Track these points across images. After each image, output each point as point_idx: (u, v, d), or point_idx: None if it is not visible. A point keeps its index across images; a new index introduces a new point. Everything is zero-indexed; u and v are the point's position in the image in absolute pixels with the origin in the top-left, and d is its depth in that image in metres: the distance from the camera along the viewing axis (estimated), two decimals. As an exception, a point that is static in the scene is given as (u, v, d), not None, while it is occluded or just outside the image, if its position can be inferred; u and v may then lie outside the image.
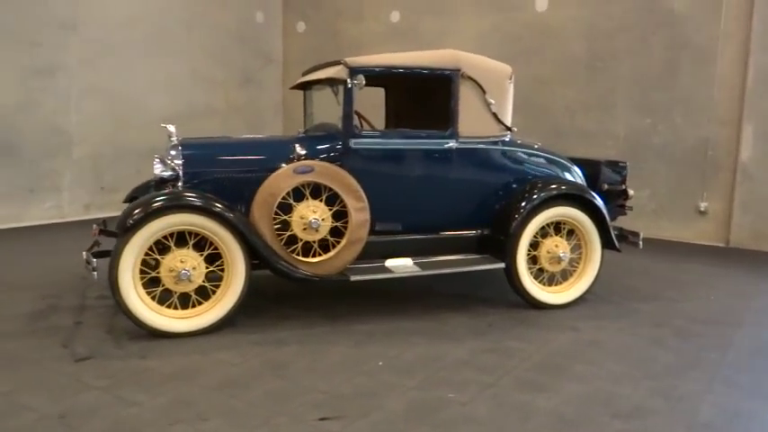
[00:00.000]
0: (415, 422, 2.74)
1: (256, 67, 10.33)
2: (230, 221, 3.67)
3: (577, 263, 4.58)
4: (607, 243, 4.58)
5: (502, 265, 4.30)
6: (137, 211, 3.53)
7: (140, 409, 2.80)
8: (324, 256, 3.92)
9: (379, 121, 5.53)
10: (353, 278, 3.97)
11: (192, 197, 3.65)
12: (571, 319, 4.27)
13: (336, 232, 3.96)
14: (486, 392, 3.07)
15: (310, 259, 3.91)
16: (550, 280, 4.55)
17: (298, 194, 3.88)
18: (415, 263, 4.24)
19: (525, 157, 4.53)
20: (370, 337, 3.81)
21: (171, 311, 3.72)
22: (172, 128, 4.13)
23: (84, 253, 3.63)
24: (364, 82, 3.96)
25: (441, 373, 3.30)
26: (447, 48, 4.46)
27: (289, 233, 3.87)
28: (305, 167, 3.85)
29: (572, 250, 4.57)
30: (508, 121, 4.44)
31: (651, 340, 3.89)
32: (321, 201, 3.92)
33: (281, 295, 4.60)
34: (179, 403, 2.87)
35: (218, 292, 3.79)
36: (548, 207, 4.36)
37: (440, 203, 4.30)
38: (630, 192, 4.88)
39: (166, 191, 3.76)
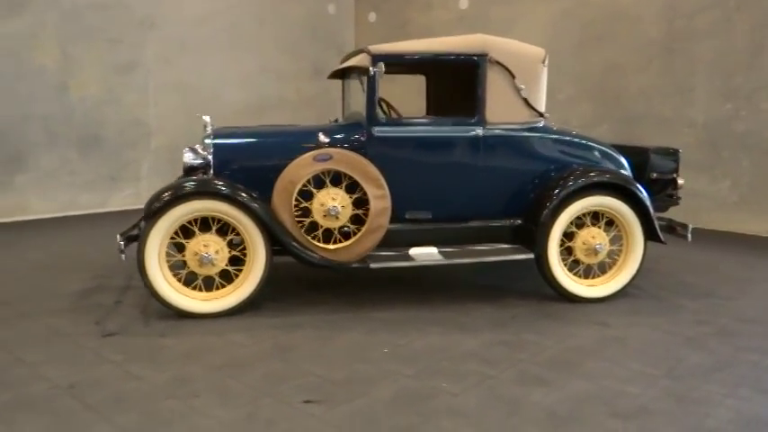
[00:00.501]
0: (397, 410, 2.73)
1: (329, 58, 10.49)
2: (252, 209, 3.77)
3: (618, 255, 4.34)
4: (651, 235, 4.31)
5: (531, 255, 4.15)
6: (164, 195, 3.70)
7: (141, 384, 2.96)
8: (343, 243, 3.96)
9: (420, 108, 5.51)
10: (373, 265, 3.98)
11: (217, 184, 3.78)
12: (604, 313, 4.07)
13: (357, 220, 3.98)
14: (483, 384, 3.00)
15: (330, 246, 3.96)
16: (587, 272, 4.35)
17: (319, 182, 3.93)
18: (440, 252, 4.18)
19: (559, 144, 4.34)
20: (385, 324, 3.81)
21: (195, 293, 3.89)
22: (207, 118, 4.30)
23: (117, 236, 3.85)
24: (384, 69, 3.93)
25: (443, 363, 3.25)
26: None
27: (310, 220, 3.93)
28: (324, 155, 3.89)
29: (612, 241, 4.35)
30: (541, 107, 4.28)
31: (686, 339, 3.65)
32: (341, 188, 3.93)
33: (308, 281, 4.68)
34: (179, 380, 3.00)
35: (240, 276, 3.91)
36: (582, 196, 4.17)
37: (467, 192, 4.21)
38: (680, 181, 4.57)
39: (193, 177, 3.90)
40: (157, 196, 3.72)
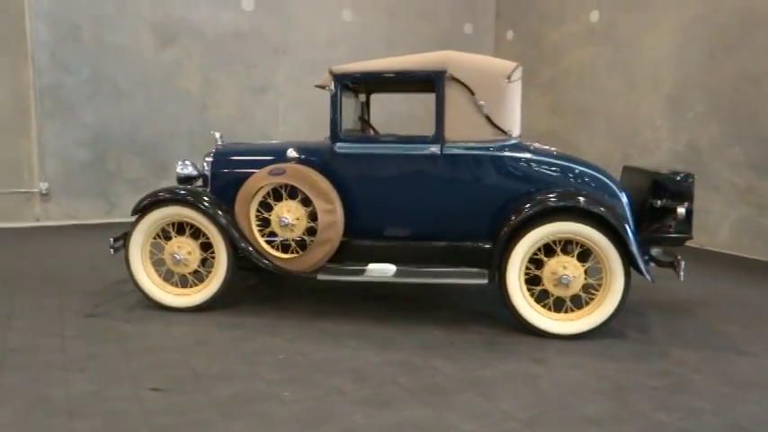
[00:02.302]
0: (215, 407, 2.91)
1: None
2: (211, 216, 4.19)
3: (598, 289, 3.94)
4: (634, 268, 3.85)
5: (484, 281, 3.98)
6: (143, 200, 4.30)
7: (62, 353, 3.51)
8: (295, 254, 4.18)
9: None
10: (321, 277, 4.14)
11: (184, 193, 4.27)
12: (558, 351, 3.75)
13: (314, 232, 4.17)
14: (320, 400, 3.03)
15: (283, 255, 4.21)
16: (560, 306, 4.02)
17: (279, 195, 4.21)
18: (398, 270, 4.19)
19: (530, 164, 4.07)
20: (314, 334, 3.95)
21: (171, 288, 4.41)
22: (217, 134, 4.83)
23: (111, 239, 4.44)
24: (333, 90, 4.10)
25: (315, 374, 3.33)
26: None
27: (269, 230, 4.23)
28: (278, 170, 4.16)
29: (593, 273, 3.97)
30: (508, 125, 4.06)
31: (614, 388, 3.23)
32: (297, 201, 4.17)
33: (286, 290, 4.93)
34: (90, 354, 3.51)
35: (209, 276, 4.34)
36: (544, 222, 3.88)
37: (429, 211, 4.16)
38: (680, 210, 3.97)
39: (172, 186, 4.44)
40: (139, 201, 4.31)
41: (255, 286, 5.04)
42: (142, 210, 4.29)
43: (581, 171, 4.07)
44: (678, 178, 4.03)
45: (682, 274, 3.96)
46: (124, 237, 4.38)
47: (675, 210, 3.95)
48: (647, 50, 7.94)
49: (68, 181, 8.08)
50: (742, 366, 3.55)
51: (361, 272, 4.17)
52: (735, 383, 3.31)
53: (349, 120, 4.60)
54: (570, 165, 4.07)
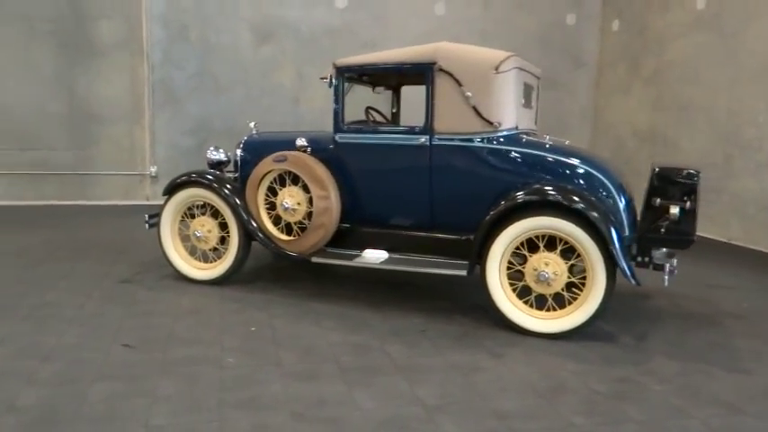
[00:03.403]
0: (162, 366, 3.25)
1: (562, 70, 10.25)
2: (224, 197, 4.58)
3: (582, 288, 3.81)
4: (615, 268, 3.68)
5: (463, 272, 3.99)
6: (170, 182, 4.80)
7: (78, 309, 4.07)
8: (293, 237, 4.46)
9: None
10: (314, 259, 4.38)
11: (204, 176, 4.70)
12: (526, 348, 3.68)
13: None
14: (258, 368, 3.27)
15: (284, 237, 4.50)
16: (542, 302, 3.93)
17: (284, 180, 4.51)
18: (389, 257, 4.32)
19: (514, 157, 3.99)
20: (299, 313, 4.18)
21: (194, 262, 4.87)
22: (252, 124, 5.24)
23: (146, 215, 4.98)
24: (329, 81, 4.29)
25: (269, 346, 3.57)
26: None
27: (275, 213, 4.55)
28: (280, 157, 4.45)
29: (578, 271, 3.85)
30: (496, 116, 4.00)
31: (553, 388, 3.15)
32: (299, 187, 4.44)
33: (307, 273, 5.18)
34: (97, 312, 4.03)
35: (225, 253, 4.75)
36: (523, 216, 3.81)
37: (420, 201, 4.22)
38: (674, 209, 3.69)
39: (197, 171, 4.88)
40: (168, 183, 4.81)
41: (282, 268, 5.36)
42: (170, 191, 4.77)
43: (572, 166, 3.92)
44: (681, 175, 3.75)
45: (666, 278, 3.70)
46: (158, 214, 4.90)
47: (668, 208, 3.68)
48: (754, 40, 7.21)
49: (174, 165, 8.95)
50: (720, 384, 3.26)
51: (353, 257, 4.34)
52: (694, 399, 3.07)
53: (353, 110, 4.73)
54: (562, 159, 3.94)
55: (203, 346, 3.54)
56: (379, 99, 5.45)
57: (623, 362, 3.51)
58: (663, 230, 3.73)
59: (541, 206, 3.78)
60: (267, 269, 5.29)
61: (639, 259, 3.94)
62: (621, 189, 3.90)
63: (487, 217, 3.85)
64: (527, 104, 4.42)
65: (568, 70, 10.25)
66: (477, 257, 3.93)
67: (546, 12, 10.06)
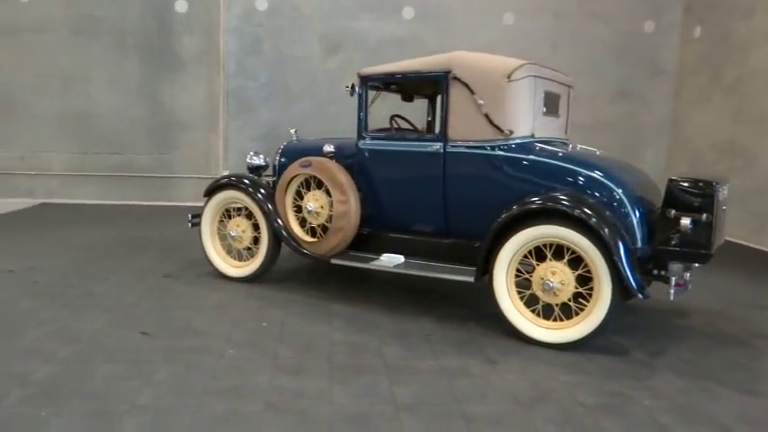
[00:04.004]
0: (167, 353, 3.50)
1: (639, 79, 9.91)
2: (255, 198, 4.84)
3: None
4: (621, 281, 3.59)
5: (470, 279, 4.01)
6: (210, 185, 5.12)
7: (116, 300, 4.44)
8: (315, 239, 4.64)
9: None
10: (333, 261, 4.54)
11: (239, 179, 4.97)
12: (525, 357, 3.65)
13: (337, 219, 4.57)
14: (253, 360, 3.45)
15: (309, 238, 4.69)
16: (549, 313, 3.88)
17: (309, 185, 4.70)
18: (404, 262, 4.40)
19: (524, 165, 3.96)
20: (316, 312, 4.33)
21: (230, 260, 5.16)
22: (293, 131, 5.50)
23: (189, 215, 5.33)
24: (351, 90, 4.44)
25: (272, 342, 3.73)
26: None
27: (301, 216, 4.75)
28: (306, 162, 4.64)
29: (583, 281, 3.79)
30: (508, 124, 3.99)
31: (535, 398, 3.12)
32: (323, 191, 4.62)
33: (339, 276, 5.32)
34: (132, 303, 4.37)
35: (258, 251, 4.99)
36: (529, 224, 3.80)
37: (433, 207, 4.28)
38: (684, 221, 3.53)
39: (236, 174, 5.16)
40: (208, 186, 5.13)
41: (314, 270, 5.54)
42: (209, 193, 5.08)
43: (584, 174, 3.84)
44: (697, 186, 3.59)
45: (672, 292, 3.54)
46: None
47: (678, 219, 3.54)
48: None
49: (243, 169, 9.37)
50: (722, 405, 3.10)
51: (370, 260, 4.45)
52: (685, 418, 2.94)
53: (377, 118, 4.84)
54: (573, 168, 3.87)
55: (212, 338, 3.76)
56: (417, 108, 5.55)
57: (624, 376, 3.41)
58: (673, 243, 3.58)
59: (548, 215, 3.73)
60: (301, 271, 5.49)
61: (656, 273, 3.79)
62: (637, 200, 3.78)
63: (495, 224, 3.84)
64: (551, 113, 4.37)
65: (645, 80, 9.88)
66: (485, 265, 3.93)
67: (622, 20, 9.76)
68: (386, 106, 5.16)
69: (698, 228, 3.55)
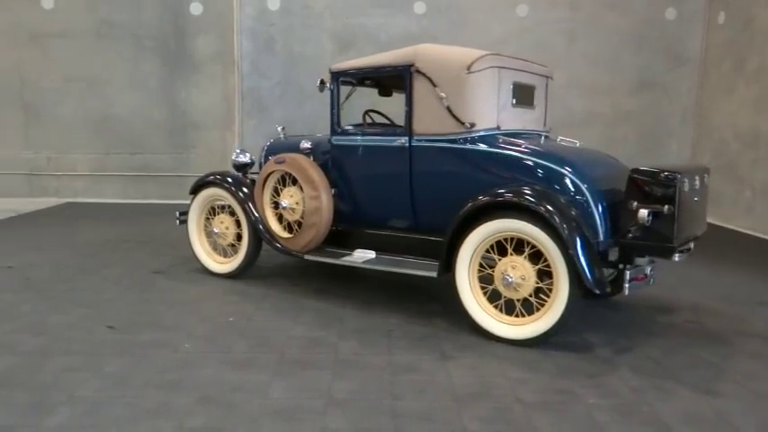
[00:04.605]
0: (123, 347, 3.58)
1: (661, 69, 9.61)
2: (235, 195, 4.90)
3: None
4: (579, 276, 3.50)
5: (432, 273, 3.98)
6: (194, 183, 5.21)
7: (97, 294, 4.57)
8: (291, 235, 4.67)
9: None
10: (307, 257, 4.56)
11: (218, 177, 5.04)
12: (481, 354, 3.60)
13: (312, 215, 4.59)
14: (203, 354, 3.51)
15: (285, 234, 4.73)
16: (511, 308, 3.82)
17: (285, 181, 4.74)
18: (374, 257, 4.40)
19: (487, 157, 3.89)
20: (285, 307, 4.36)
21: (215, 257, 5.24)
22: (280, 128, 5.56)
23: (177, 212, 5.42)
24: (320, 86, 4.44)
25: (230, 335, 3.78)
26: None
27: (278, 212, 4.80)
28: (280, 159, 4.68)
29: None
30: (469, 117, 3.92)
31: (474, 393, 3.07)
32: (298, 188, 4.64)
33: (320, 272, 5.32)
34: (113, 298, 4.50)
35: (240, 247, 5.06)
36: (490, 218, 3.73)
37: (401, 202, 4.25)
38: (642, 212, 3.41)
39: (218, 171, 5.24)
40: (193, 184, 5.22)
41: (302, 267, 5.57)
42: (194, 190, 5.18)
43: (545, 167, 3.75)
44: (659, 177, 3.47)
45: (627, 287, 3.43)
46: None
47: (636, 212, 3.42)
48: None
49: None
50: (675, 404, 2.98)
51: (341, 256, 4.45)
52: (625, 417, 2.84)
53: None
54: (536, 160, 3.78)
55: (174, 332, 3.83)
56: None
57: (578, 374, 3.32)
58: (631, 236, 3.46)
59: (506, 208, 3.66)
60: (285, 267, 5.52)
61: (622, 267, 3.68)
62: (603, 193, 3.67)
63: (454, 219, 3.79)
64: (524, 104, 4.27)
65: (667, 69, 9.56)
66: (447, 259, 3.88)
67: (642, 8, 9.47)
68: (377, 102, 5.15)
69: (660, 220, 3.42)
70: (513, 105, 4.16)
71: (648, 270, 3.56)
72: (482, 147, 3.90)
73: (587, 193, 3.63)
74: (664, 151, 9.70)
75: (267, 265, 5.46)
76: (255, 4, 9.43)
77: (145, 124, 9.67)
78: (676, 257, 3.66)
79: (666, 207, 3.40)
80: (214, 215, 5.21)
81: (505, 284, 3.68)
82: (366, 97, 5.24)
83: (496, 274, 3.76)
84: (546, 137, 4.38)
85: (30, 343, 3.61)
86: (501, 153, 3.85)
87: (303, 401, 2.93)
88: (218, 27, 9.50)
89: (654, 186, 3.45)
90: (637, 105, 9.69)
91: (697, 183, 3.71)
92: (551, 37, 9.47)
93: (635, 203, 3.51)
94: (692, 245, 3.88)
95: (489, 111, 3.96)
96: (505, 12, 9.48)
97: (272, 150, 5.23)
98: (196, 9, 9.48)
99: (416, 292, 4.79)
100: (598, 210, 3.62)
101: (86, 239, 6.60)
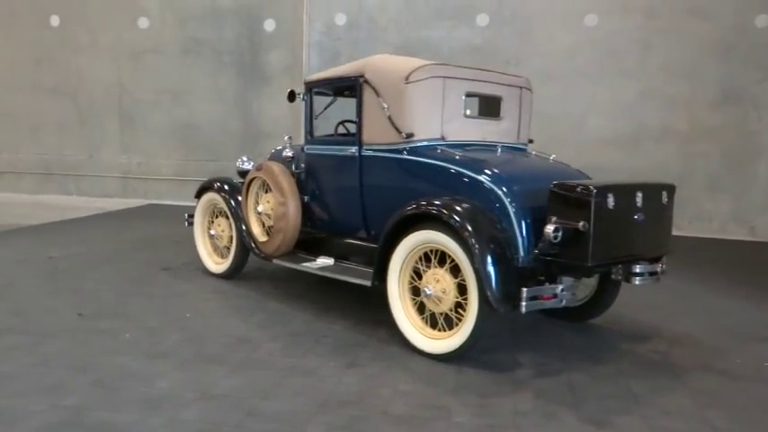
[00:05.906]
0: (80, 334, 3.94)
1: (748, 81, 8.82)
2: (226, 200, 5.21)
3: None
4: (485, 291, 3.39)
5: (367, 282, 4.01)
6: (198, 187, 5.59)
7: (104, 284, 5.05)
8: (264, 239, 4.88)
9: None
10: (275, 261, 4.75)
11: (213, 182, 5.37)
12: (402, 365, 3.57)
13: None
14: (135, 344, 3.79)
15: (261, 238, 4.95)
16: (436, 320, 3.76)
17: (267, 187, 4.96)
18: (331, 265, 4.50)
19: (420, 168, 3.85)
20: (249, 306, 4.58)
21: (215, 257, 5.56)
22: (287, 137, 5.82)
23: (186, 215, 5.81)
24: (290, 96, 4.62)
25: (173, 330, 4.03)
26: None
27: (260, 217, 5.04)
28: (259, 166, 4.91)
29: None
30: (408, 127, 3.91)
31: (346, 402, 3.07)
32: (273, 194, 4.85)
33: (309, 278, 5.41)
34: (106, 288, 4.96)
35: (232, 249, 5.36)
36: (416, 229, 3.71)
37: (354, 210, 4.32)
38: (549, 228, 3.22)
39: (215, 177, 5.56)
40: (197, 188, 5.60)
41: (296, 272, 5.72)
42: (198, 195, 5.55)
43: (472, 179, 3.66)
44: (575, 192, 3.28)
45: (523, 305, 3.26)
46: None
47: (545, 228, 3.25)
48: None
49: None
50: (551, 431, 2.83)
51: (302, 261, 4.59)
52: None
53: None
54: (463, 172, 3.70)
55: (130, 322, 4.14)
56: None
57: (470, 391, 3.21)
58: (540, 253, 3.29)
59: (426, 220, 3.61)
60: (280, 270, 5.71)
61: (547, 284, 3.50)
62: (530, 208, 3.52)
63: (385, 229, 3.80)
64: (487, 115, 4.19)
65: (756, 82, 8.74)
66: (379, 269, 3.89)
67: (727, 15, 8.74)
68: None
69: (575, 237, 3.23)
70: (468, 116, 4.08)
71: (559, 289, 3.35)
72: (416, 157, 3.87)
73: (509, 207, 3.49)
74: (749, 172, 8.84)
75: (268, 267, 5.67)
76: (323, 19, 9.82)
77: (221, 133, 10.37)
78: (637, 281, 3.44)
79: (581, 224, 3.20)
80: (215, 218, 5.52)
81: (426, 297, 3.62)
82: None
83: (422, 286, 3.71)
84: (517, 149, 4.25)
85: (3, 323, 4.06)
86: (432, 164, 3.81)
87: (178, 393, 3.09)
88: (288, 42, 9.99)
89: (571, 201, 3.26)
90: (720, 120, 8.92)
91: (639, 200, 3.44)
92: (624, 47, 9.00)
93: (554, 218, 3.33)
94: (659, 267, 3.62)
95: (430, 121, 3.92)
96: (573, 21, 9.14)
97: (274, 158, 5.46)
98: (269, 26, 10.04)
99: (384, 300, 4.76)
100: (521, 224, 3.47)
101: (131, 237, 7.23)
